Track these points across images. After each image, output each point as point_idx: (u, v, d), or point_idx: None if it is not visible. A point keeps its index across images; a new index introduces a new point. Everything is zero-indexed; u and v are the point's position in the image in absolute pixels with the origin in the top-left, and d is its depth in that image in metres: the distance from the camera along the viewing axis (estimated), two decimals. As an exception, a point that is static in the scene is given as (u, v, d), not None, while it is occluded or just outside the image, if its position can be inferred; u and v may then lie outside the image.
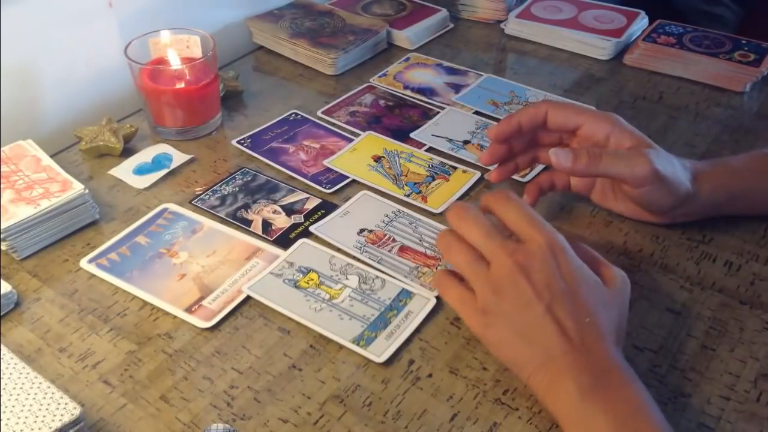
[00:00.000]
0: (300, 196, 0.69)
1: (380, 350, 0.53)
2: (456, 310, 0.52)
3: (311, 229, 0.65)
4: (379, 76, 0.88)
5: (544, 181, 0.64)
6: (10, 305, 0.57)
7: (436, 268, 0.60)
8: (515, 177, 0.70)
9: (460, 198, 0.68)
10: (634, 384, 0.45)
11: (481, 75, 0.88)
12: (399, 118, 0.80)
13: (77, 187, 0.63)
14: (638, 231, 0.64)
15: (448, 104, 0.82)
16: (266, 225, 0.66)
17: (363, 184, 0.70)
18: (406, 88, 0.86)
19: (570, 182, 0.64)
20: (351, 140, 0.76)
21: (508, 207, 0.51)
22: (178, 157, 0.74)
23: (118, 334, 0.56)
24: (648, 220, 0.63)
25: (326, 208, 0.67)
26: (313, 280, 0.59)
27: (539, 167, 0.71)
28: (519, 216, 0.50)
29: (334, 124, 0.79)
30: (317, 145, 0.76)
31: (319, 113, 0.81)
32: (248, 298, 0.58)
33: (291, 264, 0.61)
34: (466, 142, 0.76)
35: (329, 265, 0.61)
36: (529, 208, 0.51)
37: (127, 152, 0.75)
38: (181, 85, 0.75)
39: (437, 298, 0.58)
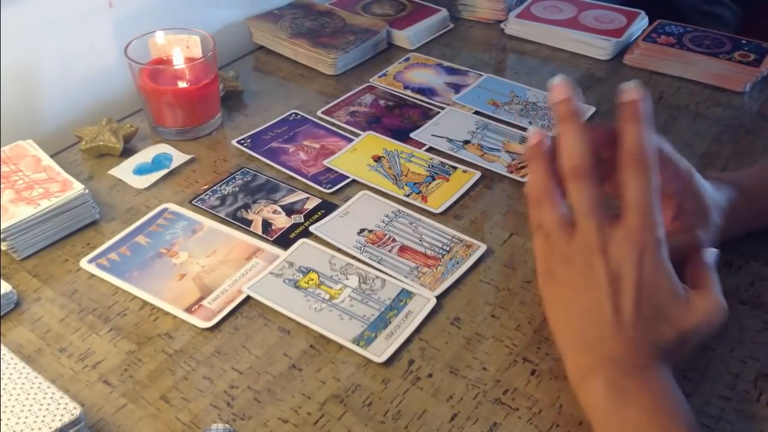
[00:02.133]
0: (300, 196, 0.69)
1: (380, 350, 0.53)
2: (535, 245, 0.50)
3: (311, 229, 0.65)
4: (379, 76, 0.88)
5: None
6: (10, 305, 0.57)
7: (436, 269, 0.60)
8: (515, 177, 0.71)
9: (461, 198, 0.68)
10: (667, 383, 0.45)
11: (481, 75, 0.88)
12: (399, 118, 0.80)
13: (77, 187, 0.63)
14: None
15: (448, 104, 0.82)
16: (266, 225, 0.66)
17: (363, 184, 0.70)
18: (406, 88, 0.86)
19: None
20: (351, 140, 0.76)
21: (636, 177, 0.45)
22: (178, 157, 0.74)
23: (118, 334, 0.56)
24: None
25: (326, 208, 0.67)
26: (313, 280, 0.59)
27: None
28: (636, 192, 0.45)
29: (334, 124, 0.79)
30: (317, 145, 0.76)
31: (319, 113, 0.81)
32: (248, 298, 0.58)
33: (291, 264, 0.61)
34: (466, 142, 0.76)
35: (329, 265, 0.61)
36: (652, 189, 0.45)
37: (127, 152, 0.75)
38: (181, 85, 0.75)
39: (437, 298, 0.58)
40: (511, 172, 0.71)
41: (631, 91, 0.46)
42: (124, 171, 0.72)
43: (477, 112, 0.81)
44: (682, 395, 0.45)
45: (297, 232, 0.65)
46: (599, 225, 0.46)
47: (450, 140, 0.76)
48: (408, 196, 0.68)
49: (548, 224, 0.48)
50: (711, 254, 0.51)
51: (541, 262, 0.49)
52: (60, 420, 0.45)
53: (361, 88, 0.86)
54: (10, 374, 0.47)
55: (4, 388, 0.46)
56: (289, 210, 0.67)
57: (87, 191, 0.64)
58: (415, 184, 0.70)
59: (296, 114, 0.81)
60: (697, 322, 0.46)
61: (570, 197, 0.47)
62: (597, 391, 0.45)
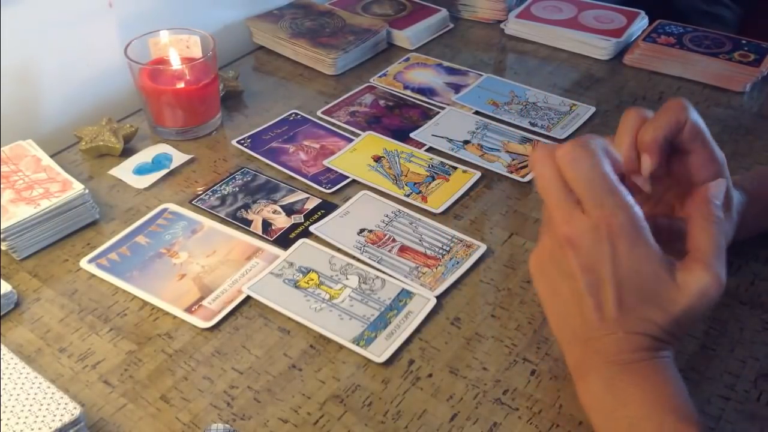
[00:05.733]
0: (300, 196, 0.69)
1: (380, 350, 0.53)
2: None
3: (311, 229, 0.65)
4: (379, 76, 0.88)
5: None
6: (10, 305, 0.57)
7: (436, 268, 0.60)
8: (515, 177, 0.70)
9: (461, 198, 0.68)
10: (665, 375, 0.44)
11: (481, 75, 0.87)
12: (399, 118, 0.80)
13: (77, 187, 0.63)
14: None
15: (448, 104, 0.82)
16: (266, 225, 0.66)
17: (363, 184, 0.70)
18: (406, 88, 0.86)
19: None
20: (351, 140, 0.76)
21: (576, 167, 0.43)
22: (178, 157, 0.74)
23: (118, 334, 0.56)
24: None
25: (326, 208, 0.67)
26: (313, 280, 0.59)
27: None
28: (586, 182, 0.43)
29: (334, 124, 0.79)
30: (317, 145, 0.76)
31: (319, 113, 0.81)
32: (248, 298, 0.58)
33: (291, 264, 0.61)
34: (466, 142, 0.76)
35: (329, 265, 0.61)
36: (602, 170, 0.43)
37: (127, 152, 0.75)
38: (181, 85, 0.75)
39: (437, 298, 0.58)
40: (511, 172, 0.71)
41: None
42: (124, 171, 0.72)
43: (477, 112, 0.81)
44: (681, 385, 0.44)
45: (297, 232, 0.65)
46: (561, 214, 0.44)
47: (450, 140, 0.76)
48: (408, 196, 0.68)
49: (546, 216, 0.47)
50: (717, 186, 0.47)
51: (536, 255, 0.47)
52: (60, 420, 0.45)
53: (361, 88, 0.86)
54: (10, 374, 0.47)
55: (4, 388, 0.46)
56: (289, 210, 0.67)
57: (87, 191, 0.64)
58: (415, 184, 0.70)
59: (296, 114, 0.81)
60: (689, 303, 0.43)
61: (540, 190, 0.46)
62: (593, 388, 0.45)
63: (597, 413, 0.45)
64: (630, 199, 0.43)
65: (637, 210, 0.43)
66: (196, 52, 0.78)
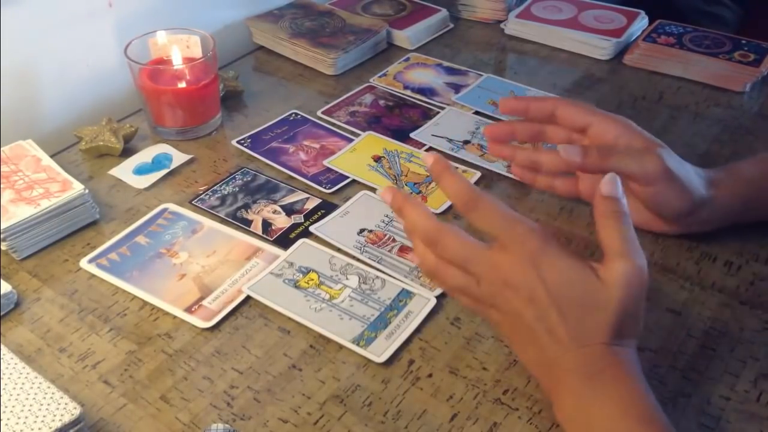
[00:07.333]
0: (300, 196, 0.69)
1: (380, 350, 0.53)
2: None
3: (311, 229, 0.65)
4: (379, 76, 0.88)
5: (541, 181, 0.64)
6: (10, 305, 0.57)
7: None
8: (515, 177, 0.70)
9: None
10: (630, 382, 0.45)
11: (481, 75, 0.88)
12: (399, 118, 0.80)
13: (77, 187, 0.63)
14: (638, 231, 0.64)
15: (448, 104, 0.82)
16: (266, 225, 0.66)
17: (363, 184, 0.70)
18: (406, 88, 0.86)
19: (578, 188, 0.63)
20: (351, 140, 0.76)
21: (478, 213, 0.48)
22: (178, 157, 0.74)
23: (118, 334, 0.56)
24: (660, 230, 0.61)
25: (326, 208, 0.67)
26: (313, 280, 0.59)
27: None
28: (492, 222, 0.48)
29: (334, 124, 0.79)
30: (317, 145, 0.76)
31: (319, 113, 0.81)
32: (248, 298, 0.58)
33: (291, 264, 0.61)
34: (466, 142, 0.76)
35: (329, 265, 0.61)
36: (501, 208, 0.48)
37: (127, 152, 0.75)
38: (181, 85, 0.75)
39: (437, 298, 0.58)
40: (511, 173, 0.71)
41: (427, 158, 0.51)
42: (124, 171, 0.72)
43: (477, 112, 0.81)
44: (645, 386, 0.44)
45: (297, 232, 0.65)
46: (485, 263, 0.47)
47: (450, 140, 0.76)
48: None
49: (454, 290, 0.51)
50: (609, 183, 0.47)
51: (476, 312, 0.51)
52: (60, 420, 0.45)
53: (361, 88, 0.86)
54: (10, 374, 0.47)
55: (4, 388, 0.46)
56: (289, 210, 0.67)
57: (87, 191, 0.64)
58: (415, 184, 0.70)
59: (296, 114, 0.81)
60: (619, 295, 0.44)
61: (447, 257, 0.49)
62: (565, 406, 0.46)
63: (573, 425, 0.45)
64: (533, 223, 0.47)
65: (545, 230, 0.47)
66: (196, 52, 0.78)
